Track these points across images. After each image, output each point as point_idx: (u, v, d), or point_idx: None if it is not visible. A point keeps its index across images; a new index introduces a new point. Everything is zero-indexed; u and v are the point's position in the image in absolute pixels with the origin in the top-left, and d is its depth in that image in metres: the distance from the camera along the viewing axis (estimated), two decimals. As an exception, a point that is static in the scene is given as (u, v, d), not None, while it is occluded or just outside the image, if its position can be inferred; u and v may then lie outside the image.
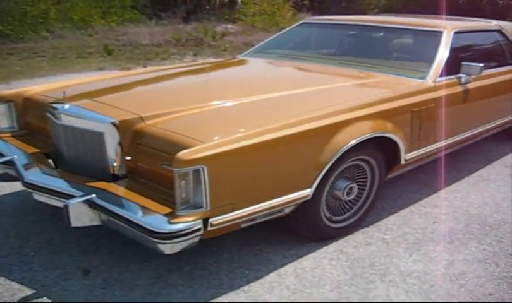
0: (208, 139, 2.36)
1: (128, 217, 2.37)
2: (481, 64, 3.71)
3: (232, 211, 2.42)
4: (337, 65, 4.00)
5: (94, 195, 2.54)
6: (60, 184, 2.72)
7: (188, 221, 2.27)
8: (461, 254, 2.98)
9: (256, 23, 18.50)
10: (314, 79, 3.67)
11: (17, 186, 3.67)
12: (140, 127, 2.67)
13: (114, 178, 2.74)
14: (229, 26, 17.67)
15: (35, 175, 2.84)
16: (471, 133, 3.97)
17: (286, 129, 2.57)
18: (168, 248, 2.30)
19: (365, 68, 3.88)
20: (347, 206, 3.14)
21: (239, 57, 4.81)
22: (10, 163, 3.11)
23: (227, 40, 14.19)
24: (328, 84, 3.43)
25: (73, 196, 2.57)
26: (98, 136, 2.71)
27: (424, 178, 4.04)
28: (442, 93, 3.53)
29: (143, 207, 2.41)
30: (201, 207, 2.31)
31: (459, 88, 3.71)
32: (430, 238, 3.16)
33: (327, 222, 3.01)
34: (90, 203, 2.53)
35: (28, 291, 2.58)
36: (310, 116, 2.71)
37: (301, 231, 2.99)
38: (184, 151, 2.25)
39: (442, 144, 3.61)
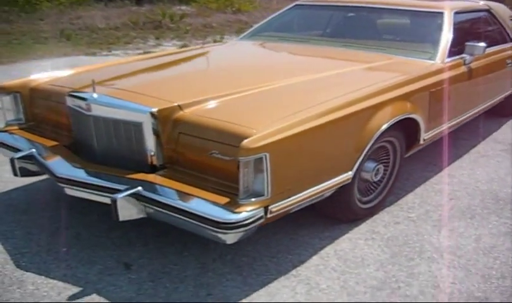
0: (262, 126, 2.34)
1: (185, 208, 2.33)
2: (484, 44, 3.83)
3: (288, 197, 2.43)
4: (343, 47, 4.03)
5: (140, 187, 2.47)
6: (98, 178, 2.63)
7: (251, 210, 2.25)
8: (485, 229, 3.11)
9: (209, 4, 18.29)
10: (331, 63, 3.68)
11: (21, 181, 3.55)
12: (179, 116, 2.61)
13: (151, 169, 2.67)
14: (183, 7, 17.42)
15: (66, 169, 2.74)
16: (474, 111, 4.13)
17: (334, 112, 2.59)
18: (231, 237, 2.29)
19: (370, 50, 3.92)
20: (372, 187, 3.20)
21: (236, 40, 4.75)
22: (29, 157, 2.98)
23: (186, 22, 13.95)
24: (347, 67, 3.45)
25: (115, 190, 2.50)
26: (136, 127, 2.63)
27: (427, 157, 4.17)
28: (452, 73, 3.64)
29: (198, 198, 2.36)
30: (263, 195, 2.30)
31: (464, 68, 3.84)
32: (451, 214, 3.28)
33: (358, 203, 3.06)
34: (137, 196, 2.46)
35: (74, 289, 2.50)
36: (352, 99, 2.75)
37: (334, 213, 3.04)
38: (249, 139, 2.22)
39: (452, 122, 3.73)
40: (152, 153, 2.66)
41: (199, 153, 2.54)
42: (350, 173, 2.76)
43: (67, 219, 3.18)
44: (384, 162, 3.22)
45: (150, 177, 2.58)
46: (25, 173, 3.02)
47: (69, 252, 2.83)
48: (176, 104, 2.65)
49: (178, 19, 14.14)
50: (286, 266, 2.71)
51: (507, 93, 4.83)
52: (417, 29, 4.15)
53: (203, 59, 4.02)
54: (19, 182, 3.66)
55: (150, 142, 2.63)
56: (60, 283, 2.55)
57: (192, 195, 2.40)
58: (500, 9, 4.94)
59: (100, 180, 2.60)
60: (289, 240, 2.94)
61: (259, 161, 2.25)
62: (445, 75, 3.54)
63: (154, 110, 2.59)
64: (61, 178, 2.69)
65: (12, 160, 2.95)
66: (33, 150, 2.99)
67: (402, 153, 3.32)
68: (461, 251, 2.87)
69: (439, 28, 3.88)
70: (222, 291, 2.50)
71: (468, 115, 4.02)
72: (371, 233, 3.03)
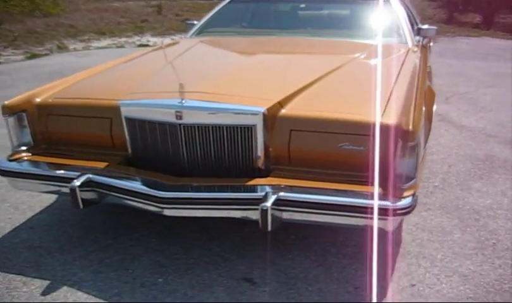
0: (395, 113, 2.39)
1: (346, 203, 2.27)
2: (436, 27, 4.34)
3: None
4: (315, 37, 4.09)
5: (282, 193, 2.33)
6: (219, 191, 2.39)
7: (412, 195, 2.30)
8: (500, 185, 3.60)
9: (12, 8, 16.56)
10: (335, 52, 3.71)
11: (15, 218, 3.05)
12: (285, 113, 2.50)
13: (256, 173, 2.52)
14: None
15: (166, 188, 2.42)
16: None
17: (414, 89, 2.74)
18: (394, 224, 2.31)
19: (337, 37, 4.06)
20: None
21: (187, 37, 4.52)
22: (87, 184, 2.55)
23: (5, 29, 12.43)
24: (352, 54, 3.49)
25: (252, 200, 2.32)
26: (247, 130, 2.45)
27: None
28: (423, 52, 4.04)
29: (347, 191, 2.32)
30: (413, 178, 2.35)
31: (424, 49, 4.29)
32: (464, 178, 3.71)
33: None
34: (280, 201, 2.32)
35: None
36: (415, 78, 2.93)
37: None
38: (410, 126, 2.25)
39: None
40: (259, 156, 2.50)
41: (320, 148, 2.46)
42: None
43: (125, 249, 2.79)
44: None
45: (273, 181, 2.43)
46: (87, 203, 2.57)
47: (168, 281, 2.51)
48: (276, 101, 2.53)
49: (-4, 27, 12.54)
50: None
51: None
52: (366, 16, 4.31)
53: (215, 55, 3.79)
54: (19, 220, 3.09)
55: (260, 144, 2.47)
56: (201, 314, 2.27)
57: (338, 190, 2.34)
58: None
59: (227, 193, 2.37)
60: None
61: (414, 146, 2.30)
62: (425, 54, 3.94)
63: (264, 109, 2.44)
64: (169, 198, 2.38)
65: (73, 191, 2.48)
66: (90, 175, 2.56)
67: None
68: (503, 205, 3.27)
69: (391, 12, 4.18)
70: (362, 282, 2.49)
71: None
72: (422, 205, 3.26)
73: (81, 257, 2.72)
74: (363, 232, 2.82)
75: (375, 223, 2.27)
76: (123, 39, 12.07)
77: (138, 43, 11.49)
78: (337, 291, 2.43)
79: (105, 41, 11.65)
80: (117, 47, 10.88)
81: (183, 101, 2.44)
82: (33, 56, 9.31)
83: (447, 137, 4.57)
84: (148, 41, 11.75)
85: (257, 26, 4.63)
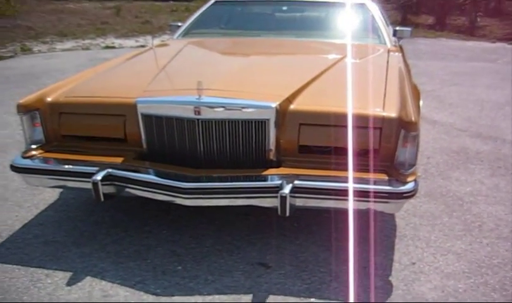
0: (395, 107, 2.63)
1: (359, 189, 2.47)
2: (410, 28, 4.64)
3: None
4: (299, 38, 4.32)
5: (296, 181, 2.52)
6: (238, 181, 2.56)
7: (414, 180, 2.53)
8: (476, 174, 3.91)
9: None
10: (327, 51, 3.95)
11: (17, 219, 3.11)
12: (295, 108, 2.68)
13: (267, 164, 2.70)
14: None
15: (186, 179, 2.57)
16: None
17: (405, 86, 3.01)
18: (399, 207, 2.55)
19: (321, 38, 4.30)
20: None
21: (174, 39, 4.64)
22: (107, 179, 2.67)
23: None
24: (341, 52, 3.76)
25: (269, 189, 2.51)
26: (260, 124, 2.63)
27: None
28: (402, 52, 4.33)
29: (358, 179, 2.52)
30: (414, 165, 2.59)
31: (400, 49, 4.58)
32: (443, 168, 4.00)
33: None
34: (295, 189, 2.51)
35: (245, 299, 2.43)
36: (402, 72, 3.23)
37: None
38: (411, 118, 2.49)
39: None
40: (271, 148, 2.68)
41: (326, 140, 2.66)
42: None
43: (139, 240, 2.92)
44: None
45: (286, 170, 2.62)
46: (107, 197, 2.68)
47: (187, 268, 2.66)
48: (285, 97, 2.71)
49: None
50: (388, 232, 3.02)
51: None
52: (351, 19, 4.59)
53: (213, 55, 3.93)
54: (23, 218, 3.16)
55: (272, 137, 2.65)
56: (223, 297, 2.43)
57: (345, 177, 2.53)
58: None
59: (247, 183, 2.54)
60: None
61: (415, 136, 2.54)
62: (403, 54, 4.23)
63: (277, 105, 2.62)
64: (192, 189, 2.53)
65: (95, 185, 2.59)
66: (109, 170, 2.68)
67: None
68: (482, 192, 3.58)
69: (370, 16, 4.47)
70: (369, 262, 2.71)
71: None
72: (411, 193, 3.52)
73: (97, 249, 2.82)
74: (361, 217, 3.06)
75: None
76: (87, 41, 11.97)
77: (103, 45, 11.44)
78: (347, 271, 2.63)
79: (69, 43, 11.54)
80: (83, 49, 10.81)
81: (201, 98, 2.59)
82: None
83: (422, 132, 4.80)
84: (113, 43, 11.71)
85: (240, 27, 4.79)
